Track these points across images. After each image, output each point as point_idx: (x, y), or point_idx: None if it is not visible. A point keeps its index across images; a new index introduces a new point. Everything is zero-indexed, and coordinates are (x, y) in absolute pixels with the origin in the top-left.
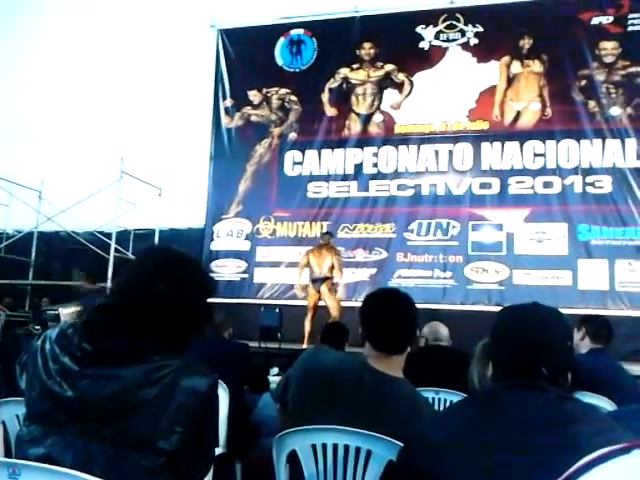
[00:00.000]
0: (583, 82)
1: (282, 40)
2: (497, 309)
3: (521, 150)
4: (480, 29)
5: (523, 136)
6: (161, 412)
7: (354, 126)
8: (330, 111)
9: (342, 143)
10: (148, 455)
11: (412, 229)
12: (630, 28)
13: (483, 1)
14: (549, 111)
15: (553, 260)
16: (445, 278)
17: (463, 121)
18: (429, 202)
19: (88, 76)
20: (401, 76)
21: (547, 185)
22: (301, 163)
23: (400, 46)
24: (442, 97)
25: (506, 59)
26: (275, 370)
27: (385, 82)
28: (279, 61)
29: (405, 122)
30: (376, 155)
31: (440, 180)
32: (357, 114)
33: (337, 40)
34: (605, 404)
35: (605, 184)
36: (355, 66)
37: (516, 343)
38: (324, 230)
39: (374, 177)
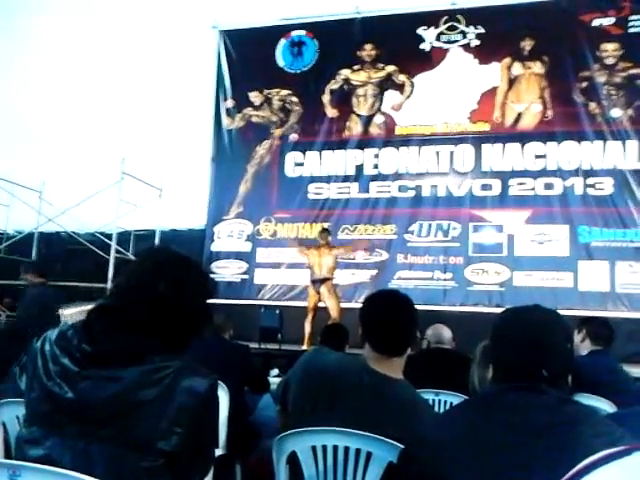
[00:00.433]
0: (584, 84)
1: (283, 41)
2: (498, 310)
3: (522, 151)
4: (481, 30)
5: (524, 137)
6: (161, 413)
7: (355, 127)
8: (331, 112)
9: (343, 144)
10: (148, 456)
11: (413, 230)
12: (631, 30)
13: (484, 2)
14: (550, 113)
15: (554, 262)
16: (446, 279)
17: (464, 122)
18: (430, 203)
19: (89, 76)
20: (402, 77)
21: (548, 187)
22: (302, 164)
23: (401, 47)
24: (443, 98)
25: (507, 60)
26: (275, 371)
27: (386, 83)
28: (280, 62)
29: (406, 123)
30: (377, 156)
31: (441, 181)
32: (358, 115)
33: (338, 41)
34: (605, 406)
35: (606, 186)
36: (356, 67)
37: (517, 345)
38: (322, 227)
39: (375, 178)
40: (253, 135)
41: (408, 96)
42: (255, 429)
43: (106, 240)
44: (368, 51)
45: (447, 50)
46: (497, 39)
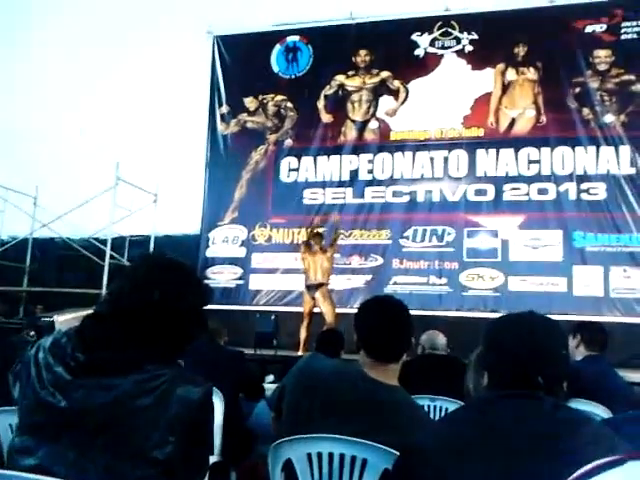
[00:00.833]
0: (577, 89)
1: (278, 47)
2: (493, 315)
3: (516, 157)
4: (475, 36)
5: (518, 143)
6: (155, 422)
7: (350, 133)
8: (326, 118)
9: (338, 150)
10: (142, 465)
11: (407, 235)
12: (623, 37)
13: (478, 9)
14: (544, 118)
15: (548, 267)
16: (441, 284)
17: (458, 128)
18: (424, 209)
19: (84, 82)
20: (396, 83)
21: (542, 192)
22: (297, 170)
23: (395, 53)
24: (437, 104)
25: (501, 66)
26: (270, 377)
27: (380, 89)
28: (275, 68)
29: (400, 129)
30: (372, 162)
31: (435, 187)
32: (353, 121)
33: (333, 47)
34: (600, 411)
35: (599, 191)
36: (351, 73)
37: (512, 352)
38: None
39: (370, 184)
40: (248, 141)
41: (402, 102)
42: (250, 435)
43: (101, 246)
44: (362, 57)
45: (441, 56)
46: (491, 45)
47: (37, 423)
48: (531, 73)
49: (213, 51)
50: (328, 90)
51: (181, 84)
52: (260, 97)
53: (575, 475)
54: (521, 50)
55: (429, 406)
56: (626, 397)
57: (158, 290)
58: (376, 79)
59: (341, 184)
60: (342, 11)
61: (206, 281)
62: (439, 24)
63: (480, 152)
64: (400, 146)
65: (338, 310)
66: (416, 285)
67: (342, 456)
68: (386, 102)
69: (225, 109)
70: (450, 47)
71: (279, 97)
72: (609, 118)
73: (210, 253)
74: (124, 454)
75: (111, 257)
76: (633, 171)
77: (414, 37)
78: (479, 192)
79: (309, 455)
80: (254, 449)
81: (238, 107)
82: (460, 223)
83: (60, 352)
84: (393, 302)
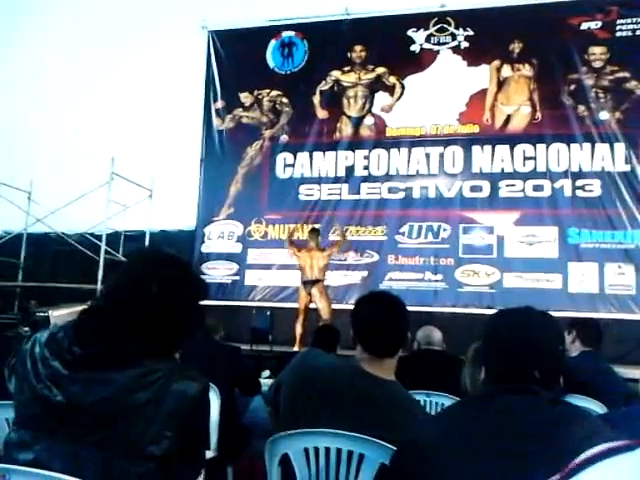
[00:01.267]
0: (572, 86)
1: (273, 42)
2: (488, 312)
3: (511, 153)
4: (471, 33)
5: (513, 139)
6: (152, 417)
7: (345, 129)
8: (321, 113)
9: (333, 146)
10: (138, 460)
11: (403, 232)
12: (618, 34)
13: (474, 5)
14: (539, 115)
15: (543, 263)
16: (436, 281)
17: (454, 124)
18: (420, 205)
19: (78, 76)
20: (392, 79)
21: (537, 188)
22: (292, 165)
23: (391, 49)
24: (433, 100)
25: (496, 63)
26: (266, 373)
27: (376, 85)
28: (270, 63)
29: (396, 125)
30: (367, 158)
31: (431, 183)
32: (348, 117)
33: (328, 42)
34: (595, 407)
35: (595, 188)
36: (346, 69)
37: (509, 347)
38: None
39: (365, 180)
40: (243, 136)
41: (398, 98)
42: (246, 431)
43: (95, 241)
44: (358, 52)
45: (437, 52)
46: (486, 41)
47: (33, 418)
48: (526, 70)
49: (208, 46)
50: (324, 86)
51: (176, 79)
52: (255, 92)
53: (580, 459)
54: (516, 47)
55: (425, 401)
56: (621, 393)
57: (155, 285)
58: (372, 75)
59: (337, 180)
60: (338, 6)
61: (202, 276)
62: (435, 20)
63: (475, 148)
64: (396, 142)
65: (334, 306)
66: (412, 281)
67: (339, 451)
68: (382, 98)
69: (220, 104)
70: (446, 43)
71: (274, 92)
72: (604, 115)
73: (205, 249)
74: (121, 449)
75: (106, 252)
76: (628, 168)
77: (410, 33)
78: (474, 188)
79: (306, 450)
80: (249, 444)
81: (233, 102)
82: (455, 219)
83: (57, 346)
84: (389, 297)
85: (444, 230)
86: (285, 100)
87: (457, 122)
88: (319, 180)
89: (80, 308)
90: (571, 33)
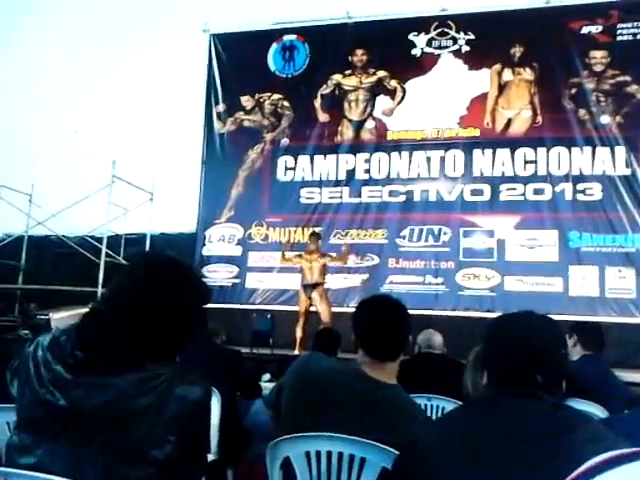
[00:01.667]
0: (573, 90)
1: (274, 45)
2: (489, 315)
3: (512, 157)
4: (472, 37)
5: (514, 143)
6: (154, 421)
7: (346, 132)
8: (322, 117)
9: (334, 149)
10: (140, 465)
11: (404, 235)
12: (619, 38)
13: (475, 9)
14: (540, 118)
15: (544, 267)
16: (437, 284)
17: (455, 128)
18: (421, 208)
19: (78, 76)
20: (393, 83)
21: (538, 192)
22: (293, 169)
23: (392, 53)
24: (434, 104)
25: (497, 67)
26: (267, 376)
27: (377, 88)
28: (271, 66)
29: (397, 128)
30: (368, 161)
31: (432, 186)
32: (349, 120)
33: (329, 46)
34: (597, 411)
35: (595, 191)
36: (347, 72)
37: (511, 351)
38: (311, 232)
39: (366, 183)
40: (244, 139)
41: (399, 101)
42: (246, 434)
43: (96, 244)
44: (359, 56)
45: (438, 56)
46: (487, 45)
47: (35, 421)
48: (527, 73)
49: (210, 49)
50: (325, 89)
51: (177, 82)
52: (257, 96)
53: (583, 468)
54: (517, 51)
55: (426, 405)
56: (622, 397)
57: (157, 288)
58: (373, 78)
59: (337, 183)
60: (339, 10)
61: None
62: (436, 24)
63: (476, 152)
64: (397, 146)
65: (334, 309)
66: (412, 285)
67: (340, 454)
68: (383, 102)
69: (222, 107)
70: (447, 47)
71: (276, 96)
72: (605, 119)
73: (206, 252)
74: (123, 453)
75: (107, 255)
76: (629, 172)
77: (411, 37)
78: (475, 192)
79: (307, 454)
80: (250, 447)
81: (234, 105)
82: (456, 223)
83: (59, 350)
84: (391, 301)
85: (445, 233)
86: (286, 103)
87: (458, 126)
88: (320, 183)
89: (81, 311)
90: (572, 37)
